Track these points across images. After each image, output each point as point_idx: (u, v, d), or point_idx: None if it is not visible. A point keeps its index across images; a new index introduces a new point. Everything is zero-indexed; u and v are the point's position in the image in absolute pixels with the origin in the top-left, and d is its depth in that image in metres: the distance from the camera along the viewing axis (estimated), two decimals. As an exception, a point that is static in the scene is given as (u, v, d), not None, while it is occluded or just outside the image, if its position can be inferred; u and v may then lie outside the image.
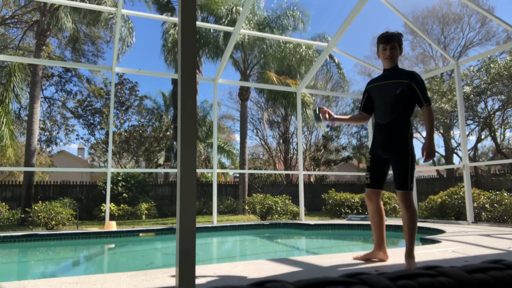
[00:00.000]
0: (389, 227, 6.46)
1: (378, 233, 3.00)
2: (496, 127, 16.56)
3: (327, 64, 15.49)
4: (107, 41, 17.01)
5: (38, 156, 18.83)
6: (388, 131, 2.84)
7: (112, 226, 6.53)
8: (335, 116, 3.10)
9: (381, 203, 3.02)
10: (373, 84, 3.02)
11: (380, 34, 2.94)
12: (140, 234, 6.32)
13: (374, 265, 2.83)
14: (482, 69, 15.08)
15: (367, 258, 3.00)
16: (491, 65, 14.46)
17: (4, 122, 12.13)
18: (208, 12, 14.44)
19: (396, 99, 2.82)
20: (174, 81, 17.13)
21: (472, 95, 14.96)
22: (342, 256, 3.33)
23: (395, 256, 3.18)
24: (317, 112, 3.06)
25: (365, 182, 3.01)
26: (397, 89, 2.81)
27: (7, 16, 15.55)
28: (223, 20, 13.77)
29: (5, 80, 13.03)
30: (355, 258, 3.02)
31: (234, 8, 13.92)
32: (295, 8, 14.56)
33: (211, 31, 14.29)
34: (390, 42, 2.87)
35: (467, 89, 15.02)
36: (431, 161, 2.69)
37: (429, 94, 15.43)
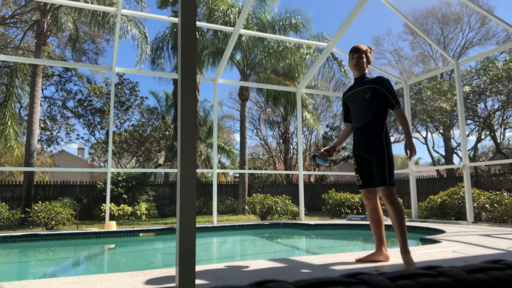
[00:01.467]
0: (389, 227, 6.46)
1: (378, 233, 3.07)
2: (496, 127, 16.56)
3: (329, 63, 15.49)
4: (107, 40, 17.00)
5: (38, 156, 18.84)
6: (364, 133, 3.00)
7: (112, 226, 6.54)
8: (333, 147, 3.30)
9: (379, 202, 3.09)
10: (347, 94, 3.23)
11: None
12: (140, 234, 6.32)
13: (374, 265, 2.83)
14: (481, 70, 15.08)
15: (369, 260, 3.03)
16: (490, 65, 14.47)
17: (9, 123, 12.17)
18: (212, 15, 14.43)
19: (367, 103, 3.00)
20: (175, 81, 17.14)
21: (471, 95, 14.96)
22: (342, 256, 3.33)
23: (395, 256, 3.18)
24: (317, 159, 3.25)
25: (358, 184, 3.11)
26: (367, 94, 3.00)
27: (7, 16, 15.54)
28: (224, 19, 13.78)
29: (7, 81, 13.06)
30: (358, 260, 3.05)
31: (230, 9, 13.92)
32: (298, 16, 14.55)
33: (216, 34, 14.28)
34: (357, 52, 3.11)
35: (467, 88, 15.02)
36: (415, 158, 2.80)
37: (429, 93, 15.50)
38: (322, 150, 3.28)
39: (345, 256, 3.30)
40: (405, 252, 2.75)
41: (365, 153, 3.01)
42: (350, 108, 3.19)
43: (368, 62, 3.14)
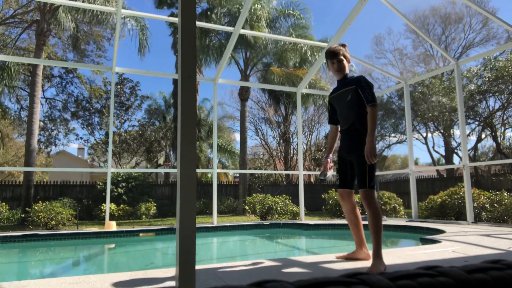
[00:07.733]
0: (389, 227, 6.46)
1: (356, 232, 3.09)
2: (496, 127, 16.56)
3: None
4: (108, 39, 16.98)
5: (38, 156, 18.83)
6: (348, 135, 2.99)
7: (112, 226, 6.54)
8: (330, 155, 3.29)
9: (355, 202, 3.13)
10: (331, 96, 3.20)
11: (326, 49, 3.14)
12: (140, 234, 6.32)
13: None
14: (486, 68, 15.07)
15: (349, 258, 3.08)
16: (495, 64, 14.48)
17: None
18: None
19: (349, 105, 2.98)
20: (175, 81, 17.14)
21: (475, 94, 14.98)
22: (342, 256, 3.32)
23: (396, 256, 3.19)
24: (325, 176, 3.26)
25: (337, 184, 3.14)
26: (348, 96, 2.98)
27: (7, 16, 15.52)
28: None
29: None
30: (338, 258, 3.10)
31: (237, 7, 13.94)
32: (295, 7, 14.57)
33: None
34: (336, 57, 3.06)
35: (472, 87, 15.03)
36: (376, 160, 2.74)
37: (434, 90, 15.52)
38: (322, 168, 3.26)
39: (345, 256, 3.29)
40: (376, 256, 2.63)
41: (347, 155, 2.99)
42: (336, 110, 3.17)
43: (348, 61, 3.10)
